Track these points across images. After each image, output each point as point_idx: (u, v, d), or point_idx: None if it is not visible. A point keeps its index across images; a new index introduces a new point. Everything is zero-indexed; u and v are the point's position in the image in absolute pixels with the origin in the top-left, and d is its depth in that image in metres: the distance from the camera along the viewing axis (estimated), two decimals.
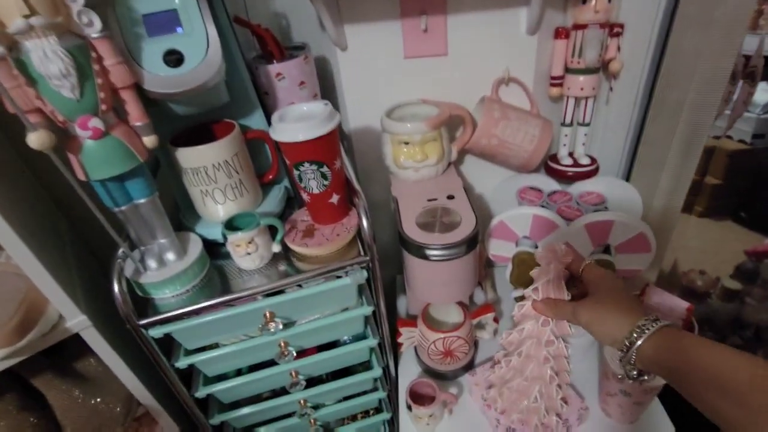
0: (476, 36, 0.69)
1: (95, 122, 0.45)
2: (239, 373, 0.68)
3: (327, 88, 0.79)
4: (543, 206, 0.74)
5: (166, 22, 0.51)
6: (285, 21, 0.79)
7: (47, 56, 0.40)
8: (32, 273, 0.46)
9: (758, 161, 1.90)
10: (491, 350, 0.74)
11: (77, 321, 0.51)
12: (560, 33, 0.69)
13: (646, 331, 0.39)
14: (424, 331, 0.69)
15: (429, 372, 0.74)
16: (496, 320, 0.73)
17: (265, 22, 0.69)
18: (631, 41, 0.69)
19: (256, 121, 0.66)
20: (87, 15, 0.42)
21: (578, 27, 0.67)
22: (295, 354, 0.64)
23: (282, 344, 0.63)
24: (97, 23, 0.43)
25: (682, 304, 0.57)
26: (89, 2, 0.42)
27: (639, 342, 0.40)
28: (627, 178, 0.80)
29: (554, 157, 0.79)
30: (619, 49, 0.69)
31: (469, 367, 0.73)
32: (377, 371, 0.72)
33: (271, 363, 0.65)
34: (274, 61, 0.65)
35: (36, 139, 0.41)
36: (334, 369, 0.73)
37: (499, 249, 0.77)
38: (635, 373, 0.42)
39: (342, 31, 0.69)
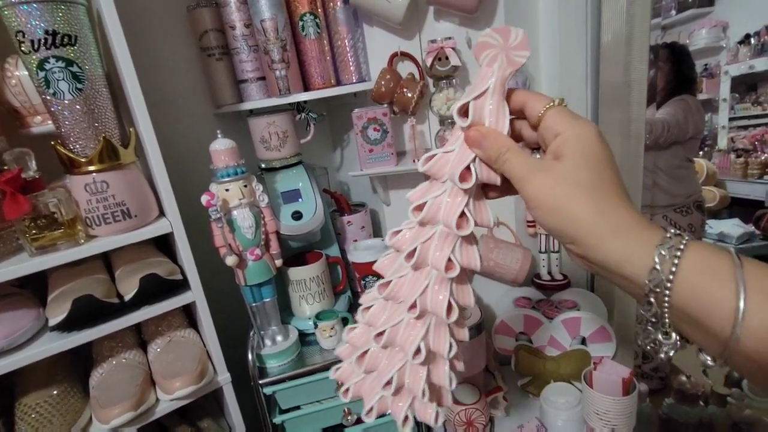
0: None
1: (258, 251, 0.79)
2: None
3: (377, 230, 1.15)
4: (533, 308, 1.02)
5: (293, 195, 0.90)
6: (347, 186, 1.21)
7: (244, 217, 0.77)
8: (210, 344, 0.76)
9: None
10: (506, 427, 0.94)
11: (224, 377, 0.78)
12: None
13: (679, 252, 0.23)
14: (451, 406, 0.92)
15: None
16: (505, 399, 0.95)
17: (339, 189, 1.09)
18: None
19: (333, 251, 1.00)
20: (263, 196, 0.80)
21: None
22: (356, 418, 0.87)
23: (346, 410, 0.87)
24: (266, 199, 0.81)
25: (626, 369, 0.80)
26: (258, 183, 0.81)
27: (673, 272, 0.22)
28: (592, 289, 1.09)
29: (538, 275, 1.10)
30: None
31: None
32: None
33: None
34: (345, 214, 1.03)
35: (232, 261, 0.76)
36: None
37: (504, 343, 1.03)
38: (672, 338, 0.24)
39: (388, 194, 1.08)
